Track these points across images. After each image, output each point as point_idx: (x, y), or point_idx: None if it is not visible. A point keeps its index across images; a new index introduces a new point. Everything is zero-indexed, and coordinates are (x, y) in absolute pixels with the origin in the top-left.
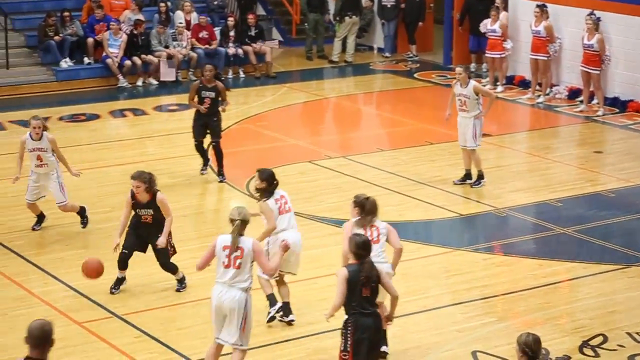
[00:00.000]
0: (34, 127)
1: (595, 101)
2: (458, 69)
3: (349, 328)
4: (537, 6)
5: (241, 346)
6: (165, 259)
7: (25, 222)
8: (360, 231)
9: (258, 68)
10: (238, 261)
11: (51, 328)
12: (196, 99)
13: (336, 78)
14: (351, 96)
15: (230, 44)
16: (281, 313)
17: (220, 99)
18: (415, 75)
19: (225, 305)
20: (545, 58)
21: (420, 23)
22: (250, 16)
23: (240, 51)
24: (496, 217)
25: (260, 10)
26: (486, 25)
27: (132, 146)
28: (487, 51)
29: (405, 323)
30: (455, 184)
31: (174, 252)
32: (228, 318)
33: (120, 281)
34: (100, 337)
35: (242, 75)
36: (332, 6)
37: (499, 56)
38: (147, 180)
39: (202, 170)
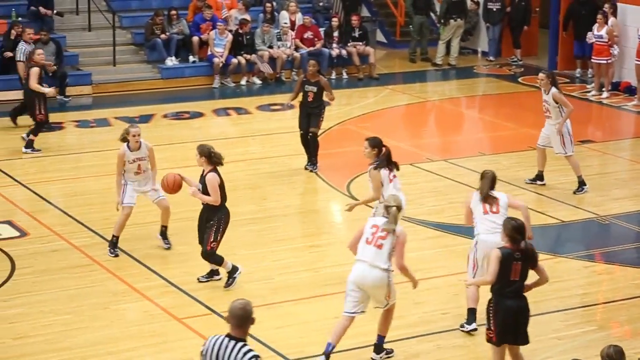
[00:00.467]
0: (134, 136)
1: None
2: (540, 75)
3: (491, 309)
4: None
5: (387, 305)
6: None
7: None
8: (481, 205)
9: (361, 69)
10: (380, 241)
11: (252, 308)
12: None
13: (439, 81)
14: (454, 99)
15: (334, 45)
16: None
17: (324, 92)
18: (519, 79)
19: (367, 283)
20: None
21: (526, 27)
22: (354, 17)
23: (343, 52)
24: (598, 224)
25: (365, 12)
26: (593, 33)
27: (234, 145)
28: (593, 57)
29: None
30: (527, 182)
31: (216, 245)
32: (372, 295)
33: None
34: (199, 333)
35: (345, 76)
36: (437, 8)
37: (605, 62)
38: (205, 153)
39: (306, 165)
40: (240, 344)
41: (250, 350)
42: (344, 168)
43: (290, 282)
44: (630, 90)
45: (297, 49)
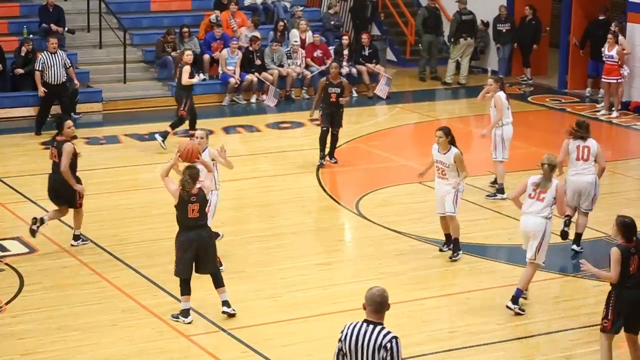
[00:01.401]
0: (200, 138)
1: None
2: (489, 80)
3: (611, 300)
4: None
5: (534, 260)
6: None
7: (136, 234)
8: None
9: (371, 88)
10: (542, 195)
11: (388, 295)
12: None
13: (449, 99)
14: (463, 118)
15: (344, 63)
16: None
17: (344, 94)
18: (529, 98)
19: (529, 229)
20: None
21: (535, 46)
22: (364, 36)
23: (353, 70)
24: (608, 244)
25: (375, 31)
26: (603, 53)
27: (244, 162)
28: (603, 76)
29: (511, 347)
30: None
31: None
32: (530, 240)
33: None
34: (207, 351)
35: (355, 94)
36: (447, 28)
37: (615, 81)
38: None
39: (320, 161)
40: (379, 327)
41: (389, 332)
42: (353, 186)
43: (298, 300)
44: (639, 110)
45: (307, 67)
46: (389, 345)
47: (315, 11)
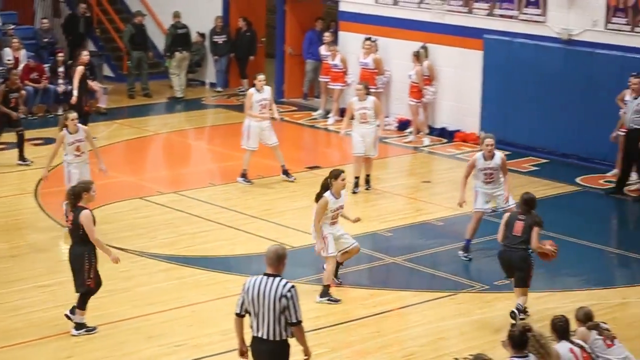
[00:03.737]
0: (72, 120)
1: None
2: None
3: None
4: (366, 39)
5: None
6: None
7: None
8: None
9: (89, 104)
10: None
11: (285, 250)
12: None
13: (168, 114)
14: (183, 131)
15: (60, 81)
16: None
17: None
18: None
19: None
20: (374, 90)
21: (252, 57)
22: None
23: (70, 88)
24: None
25: (91, 46)
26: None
27: None
28: (329, 83)
29: (225, 357)
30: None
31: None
32: None
33: None
34: None
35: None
36: (161, 42)
37: (340, 87)
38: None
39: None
40: (278, 279)
41: (287, 282)
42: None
43: (18, 325)
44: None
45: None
46: (288, 294)
47: (29, 29)
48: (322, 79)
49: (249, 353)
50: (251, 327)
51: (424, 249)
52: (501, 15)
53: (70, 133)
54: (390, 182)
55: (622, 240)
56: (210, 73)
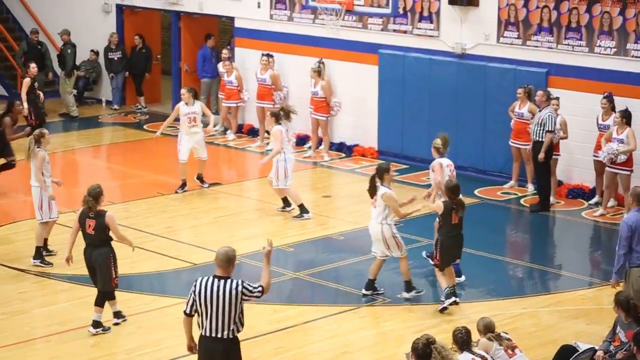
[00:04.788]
0: None
1: (322, 146)
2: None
3: (439, 245)
4: (263, 55)
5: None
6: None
7: None
8: None
9: None
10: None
11: (234, 253)
12: None
13: (64, 132)
14: (80, 150)
15: None
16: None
17: None
18: (145, 126)
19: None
20: (271, 106)
21: (147, 75)
22: None
23: None
24: None
25: None
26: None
27: None
28: (224, 100)
29: None
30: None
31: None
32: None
33: None
34: None
35: None
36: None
37: (235, 105)
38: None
39: None
40: (229, 280)
41: (237, 282)
42: None
43: None
44: (253, 132)
45: None
46: (243, 289)
47: None
48: (220, 95)
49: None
50: (200, 326)
51: (326, 263)
52: (395, 30)
53: None
54: None
55: (521, 251)
56: (106, 91)
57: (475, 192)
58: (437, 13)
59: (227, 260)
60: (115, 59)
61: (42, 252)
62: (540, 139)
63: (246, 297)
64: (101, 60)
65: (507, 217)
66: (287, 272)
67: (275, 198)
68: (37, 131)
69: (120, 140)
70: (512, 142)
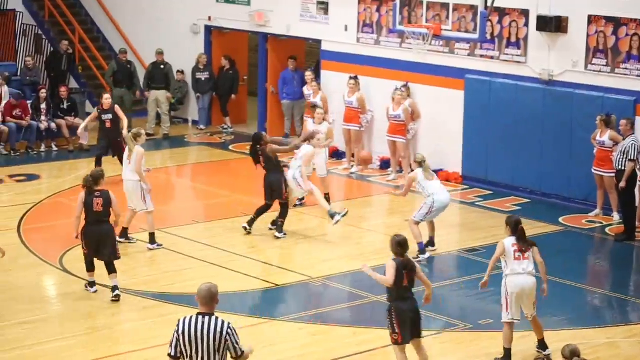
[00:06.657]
0: None
1: (403, 172)
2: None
3: (393, 314)
4: (351, 78)
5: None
6: None
7: None
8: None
9: (71, 141)
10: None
11: (217, 289)
12: None
13: (151, 151)
14: (167, 169)
15: (43, 118)
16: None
17: None
18: (230, 147)
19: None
20: (358, 128)
21: (233, 95)
22: (62, 89)
23: (53, 125)
24: (312, 286)
25: (73, 83)
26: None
27: None
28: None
29: None
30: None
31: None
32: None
33: None
34: None
35: (55, 148)
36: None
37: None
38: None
39: None
40: (213, 317)
41: (222, 320)
42: (56, 241)
43: None
44: (338, 155)
45: (4, 121)
46: (229, 330)
47: (11, 65)
48: (306, 117)
49: None
50: None
51: None
52: (482, 56)
53: None
54: (374, 220)
55: (604, 281)
56: (193, 111)
57: (560, 219)
58: (525, 39)
59: (210, 297)
60: (203, 79)
61: (127, 234)
62: (622, 168)
63: (229, 344)
64: (188, 79)
65: (591, 245)
66: (369, 295)
67: (359, 220)
68: (134, 130)
69: (205, 160)
70: (594, 170)
